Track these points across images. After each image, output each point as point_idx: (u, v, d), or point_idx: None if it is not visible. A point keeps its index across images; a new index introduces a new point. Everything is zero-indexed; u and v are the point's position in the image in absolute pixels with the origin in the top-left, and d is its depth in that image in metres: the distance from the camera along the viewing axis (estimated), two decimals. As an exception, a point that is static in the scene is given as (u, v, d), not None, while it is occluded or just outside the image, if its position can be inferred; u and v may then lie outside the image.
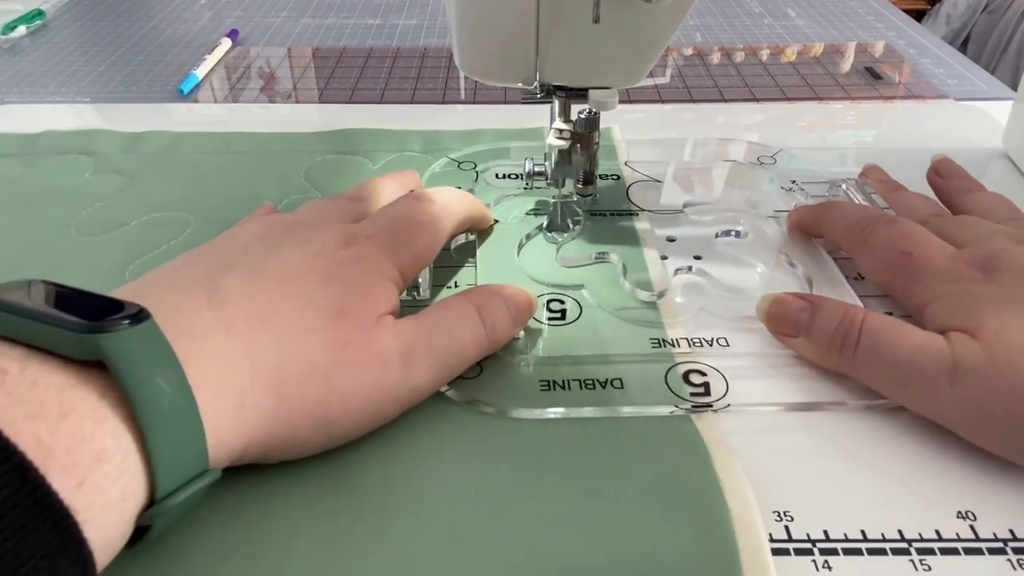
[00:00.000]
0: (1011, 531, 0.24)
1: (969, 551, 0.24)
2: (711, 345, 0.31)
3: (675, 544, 0.23)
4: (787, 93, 0.55)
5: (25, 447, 0.17)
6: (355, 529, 0.24)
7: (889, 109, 0.53)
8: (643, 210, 0.40)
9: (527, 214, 0.39)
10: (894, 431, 0.28)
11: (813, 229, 0.36)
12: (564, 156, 0.37)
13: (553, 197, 0.40)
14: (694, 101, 0.54)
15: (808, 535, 0.24)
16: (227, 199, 0.41)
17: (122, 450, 0.19)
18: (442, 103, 0.54)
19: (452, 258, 0.36)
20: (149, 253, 0.37)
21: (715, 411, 0.28)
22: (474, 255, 0.36)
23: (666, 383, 0.29)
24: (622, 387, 0.29)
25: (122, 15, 0.72)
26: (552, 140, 0.36)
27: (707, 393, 0.29)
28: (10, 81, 0.58)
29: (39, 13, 0.69)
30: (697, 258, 0.36)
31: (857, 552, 0.24)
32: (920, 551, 0.24)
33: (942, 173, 0.38)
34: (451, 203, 0.34)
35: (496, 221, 0.38)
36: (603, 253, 0.36)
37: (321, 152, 0.46)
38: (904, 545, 0.24)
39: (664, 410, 0.28)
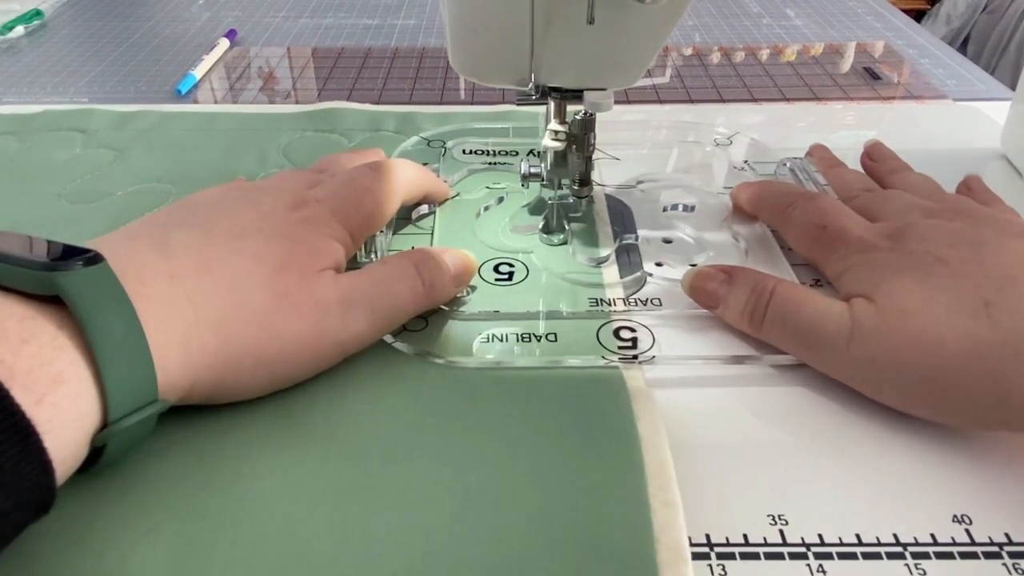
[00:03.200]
0: (1007, 535, 0.24)
1: (964, 555, 0.24)
2: (645, 305, 0.34)
3: (586, 464, 0.26)
4: (786, 94, 0.55)
5: None
6: (301, 459, 0.26)
7: (888, 109, 0.53)
8: (599, 184, 0.42)
9: (487, 187, 0.42)
10: (890, 433, 0.28)
11: (748, 208, 0.39)
12: (560, 157, 0.37)
13: (549, 199, 0.40)
14: (693, 102, 0.54)
15: (803, 539, 0.24)
16: (207, 172, 0.44)
17: (77, 375, 0.21)
18: (440, 103, 0.54)
19: (412, 227, 0.39)
20: (132, 220, 0.40)
21: (640, 363, 0.30)
22: (433, 224, 0.39)
23: (597, 338, 0.32)
24: (556, 340, 0.32)
25: (120, 15, 0.72)
26: (547, 142, 0.36)
27: (634, 347, 0.31)
28: (8, 81, 0.58)
29: (37, 13, 0.69)
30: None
31: (852, 556, 0.24)
32: (915, 555, 0.24)
33: (873, 156, 0.41)
34: (401, 172, 0.36)
35: (457, 194, 0.41)
36: (552, 231, 0.38)
37: (300, 130, 0.49)
38: (899, 549, 0.24)
39: (592, 361, 0.30)
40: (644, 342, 0.32)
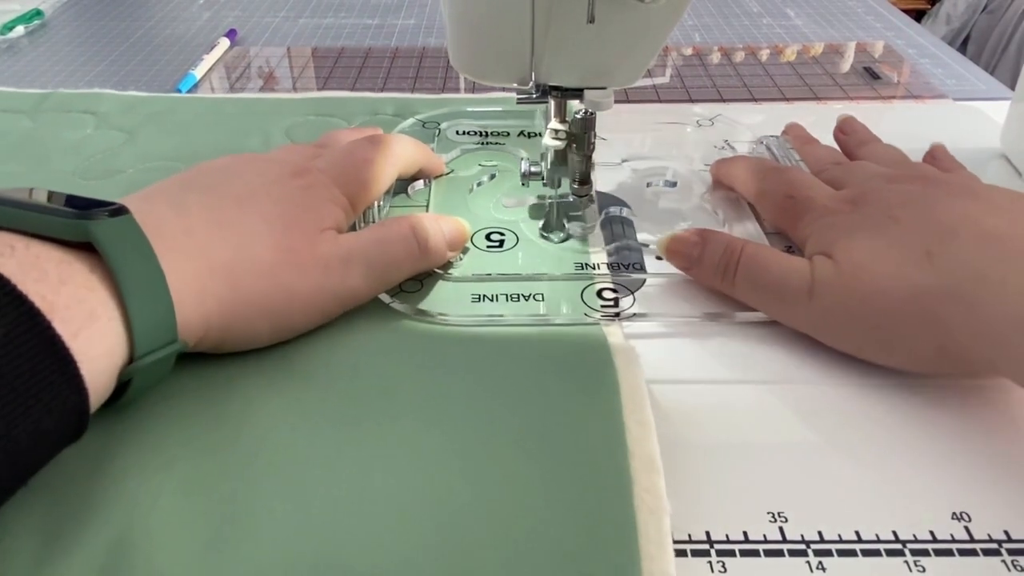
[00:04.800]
0: (1006, 532, 0.24)
1: (963, 552, 0.24)
2: (627, 269, 0.36)
3: (567, 392, 0.28)
4: (786, 93, 0.55)
5: (33, 300, 0.21)
6: (301, 401, 0.28)
7: (888, 109, 0.53)
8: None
9: (480, 164, 0.44)
10: (890, 430, 0.28)
11: (725, 182, 0.41)
12: (560, 156, 0.37)
13: (549, 198, 0.40)
14: (693, 101, 0.54)
15: (802, 536, 0.24)
16: (215, 151, 0.45)
17: (107, 314, 0.23)
18: (440, 103, 0.54)
19: (407, 199, 0.41)
20: None
21: (621, 320, 0.33)
22: (428, 198, 0.41)
23: (581, 298, 0.34)
24: (543, 300, 0.34)
25: (120, 15, 0.72)
26: (548, 140, 0.36)
27: (616, 306, 0.33)
28: (8, 81, 0.58)
29: (37, 13, 0.69)
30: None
31: (851, 553, 0.24)
32: (914, 552, 0.24)
33: (845, 130, 0.43)
34: (398, 144, 0.38)
35: (451, 171, 0.43)
36: (543, 197, 0.40)
37: (302, 114, 0.51)
38: (898, 546, 0.24)
39: (576, 319, 0.32)
40: (625, 302, 0.34)
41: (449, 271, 0.35)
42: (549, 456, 0.25)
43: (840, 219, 0.32)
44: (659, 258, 0.36)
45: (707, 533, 0.24)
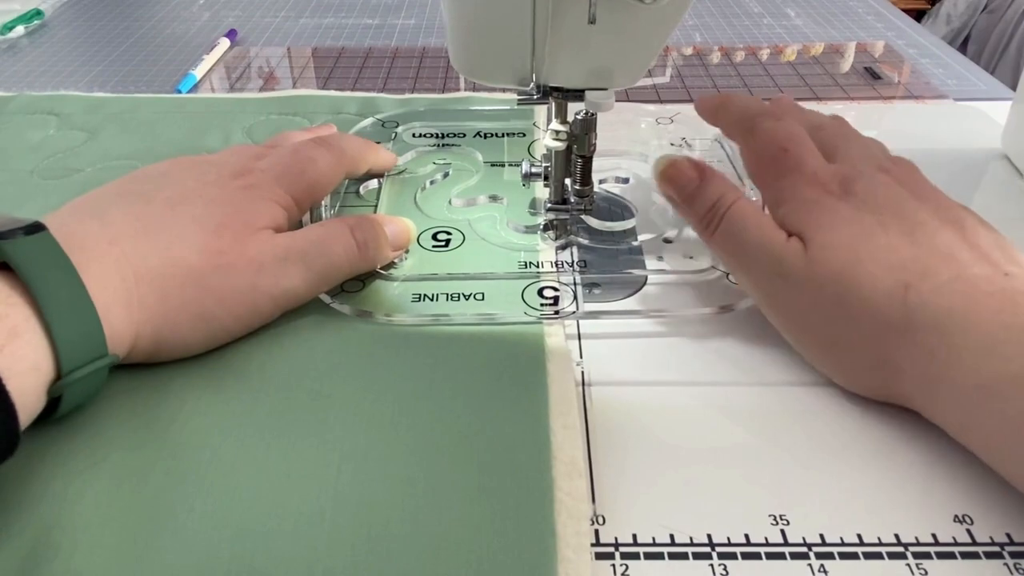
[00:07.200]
0: (1008, 535, 0.24)
1: (966, 555, 0.24)
2: (571, 267, 0.36)
3: (497, 395, 0.28)
4: (786, 94, 0.55)
5: None
6: (234, 399, 0.28)
7: (888, 109, 0.53)
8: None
9: (434, 163, 0.44)
10: (891, 433, 0.28)
11: (711, 118, 0.39)
12: (561, 157, 0.37)
13: (548, 200, 0.40)
14: (693, 101, 0.54)
15: (804, 539, 0.24)
16: (173, 150, 0.46)
17: (31, 330, 0.24)
18: (440, 103, 0.54)
19: (357, 199, 0.41)
20: None
21: (562, 319, 0.33)
22: (378, 196, 0.41)
23: (522, 297, 0.34)
24: (483, 299, 0.34)
25: (120, 15, 0.72)
26: (549, 141, 0.36)
27: (555, 305, 0.33)
28: (8, 81, 0.58)
29: (37, 13, 0.69)
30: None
31: (853, 556, 0.24)
32: (916, 555, 0.24)
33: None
34: (346, 143, 0.38)
35: (404, 170, 0.43)
36: (495, 196, 0.41)
37: (264, 113, 0.51)
38: (900, 549, 0.24)
39: (515, 317, 0.32)
40: (566, 300, 0.34)
41: (391, 271, 0.35)
42: (475, 461, 0.26)
43: (826, 201, 0.30)
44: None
45: (708, 536, 0.24)
